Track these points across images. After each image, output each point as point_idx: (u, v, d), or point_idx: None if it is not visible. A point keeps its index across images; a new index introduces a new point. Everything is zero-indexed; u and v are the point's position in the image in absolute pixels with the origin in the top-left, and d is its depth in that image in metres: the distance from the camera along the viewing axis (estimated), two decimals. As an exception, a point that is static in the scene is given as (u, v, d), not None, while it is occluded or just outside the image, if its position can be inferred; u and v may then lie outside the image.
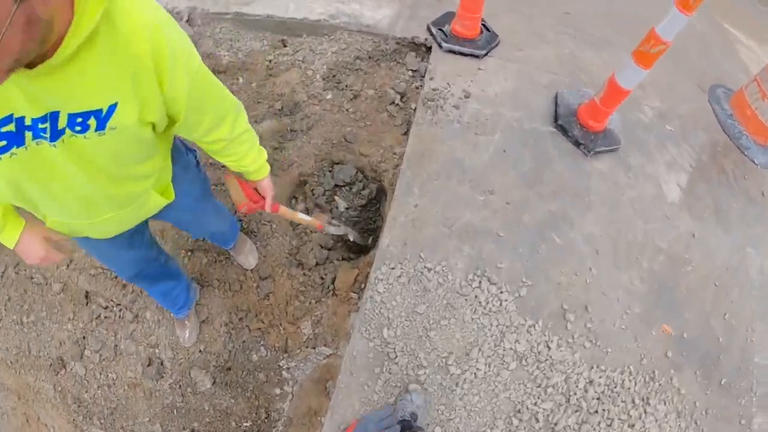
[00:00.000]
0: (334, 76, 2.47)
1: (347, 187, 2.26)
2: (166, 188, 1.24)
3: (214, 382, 1.98)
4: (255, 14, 2.62)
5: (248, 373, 1.98)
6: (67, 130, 0.83)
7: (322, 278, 2.06)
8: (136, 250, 1.41)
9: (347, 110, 2.37)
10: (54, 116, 0.81)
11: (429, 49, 2.51)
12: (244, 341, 1.99)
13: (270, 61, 2.55)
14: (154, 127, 0.95)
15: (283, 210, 1.58)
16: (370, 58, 2.54)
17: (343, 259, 2.16)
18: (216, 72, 2.54)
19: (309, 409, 1.87)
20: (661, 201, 2.15)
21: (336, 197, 2.25)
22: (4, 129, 0.79)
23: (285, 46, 2.61)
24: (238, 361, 2.00)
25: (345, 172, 2.24)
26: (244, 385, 1.98)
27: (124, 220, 1.16)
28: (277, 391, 1.98)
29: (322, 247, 2.13)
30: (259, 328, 2.00)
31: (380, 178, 2.23)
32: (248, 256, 2.04)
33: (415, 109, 2.30)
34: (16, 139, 0.82)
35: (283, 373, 1.97)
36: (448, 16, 2.57)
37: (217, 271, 2.09)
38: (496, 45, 2.50)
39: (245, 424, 1.97)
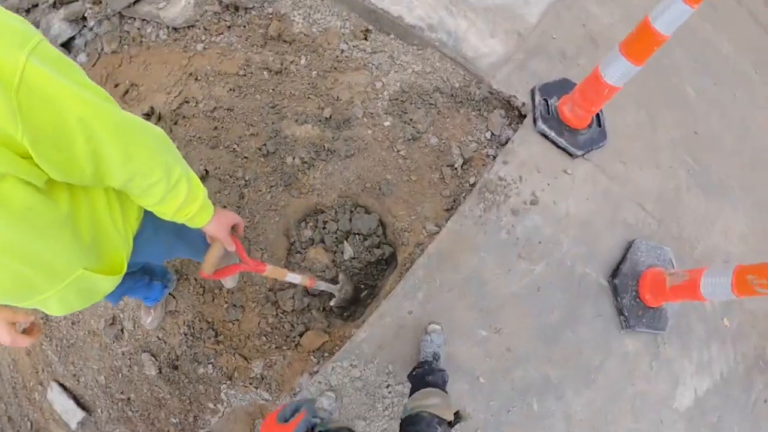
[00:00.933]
0: (403, 101, 2.10)
1: (361, 237, 2.04)
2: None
3: (159, 372, 1.98)
4: (348, -14, 2.17)
5: (191, 380, 1.96)
6: None
7: (291, 327, 1.94)
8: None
9: (398, 151, 2.05)
10: None
11: (522, 117, 2.10)
12: (196, 352, 1.95)
13: (342, 51, 2.16)
14: None
15: (270, 270, 1.38)
16: (452, 96, 2.13)
17: (323, 309, 2.02)
18: (282, 41, 2.18)
19: (232, 433, 1.89)
20: (666, 404, 1.92)
21: (345, 242, 2.04)
22: None
23: (366, 38, 2.19)
24: (186, 365, 1.97)
25: (365, 223, 2.00)
26: (183, 388, 1.97)
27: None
28: (211, 405, 1.98)
29: (305, 294, 1.97)
30: (214, 349, 1.93)
31: (397, 249, 2.00)
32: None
33: (472, 186, 1.98)
34: None
35: (221, 394, 1.95)
36: (563, 86, 2.10)
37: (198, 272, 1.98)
38: (600, 146, 2.07)
39: (173, 420, 2.00)
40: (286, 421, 0.84)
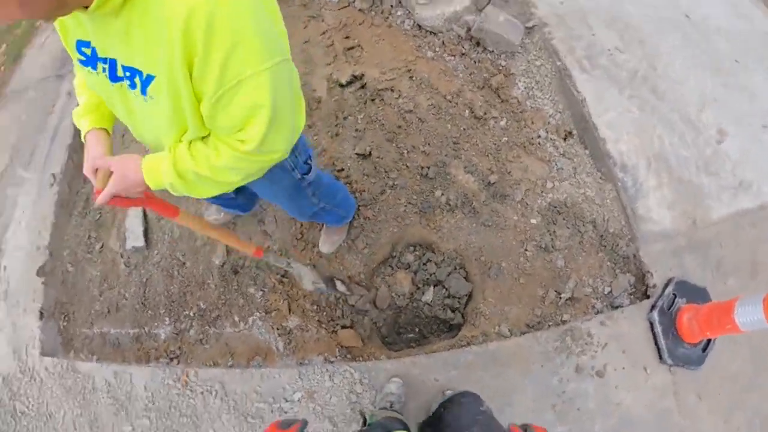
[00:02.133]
0: (558, 212, 2.16)
1: (446, 293, 2.13)
2: None
3: (222, 266, 2.18)
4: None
5: (238, 289, 2.14)
6: (125, 81, 0.83)
7: (341, 316, 2.07)
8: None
9: (526, 250, 2.12)
10: (113, 63, 0.82)
11: (645, 296, 2.10)
12: (259, 274, 2.13)
13: (539, 136, 2.25)
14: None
15: (184, 217, 1.20)
16: (601, 237, 2.17)
17: (375, 324, 2.14)
18: (497, 94, 2.29)
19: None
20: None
21: (432, 287, 2.13)
22: (84, 49, 0.85)
23: (564, 139, 2.27)
24: (244, 277, 2.15)
25: (458, 285, 2.09)
26: (228, 290, 2.14)
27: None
28: (236, 318, 2.11)
29: (373, 304, 2.10)
30: (274, 283, 2.11)
31: (465, 323, 2.08)
32: (327, 242, 2.06)
33: (562, 322, 2.02)
34: (91, 63, 0.86)
35: (249, 318, 2.11)
36: (698, 294, 2.06)
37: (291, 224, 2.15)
38: (691, 369, 2.03)
39: (200, 304, 2.17)
40: (288, 426, 0.94)
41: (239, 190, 1.69)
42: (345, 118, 2.25)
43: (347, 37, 2.49)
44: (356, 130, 2.22)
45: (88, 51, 0.85)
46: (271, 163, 0.96)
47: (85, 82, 1.04)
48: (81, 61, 0.89)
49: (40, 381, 2.39)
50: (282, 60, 0.81)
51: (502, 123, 2.27)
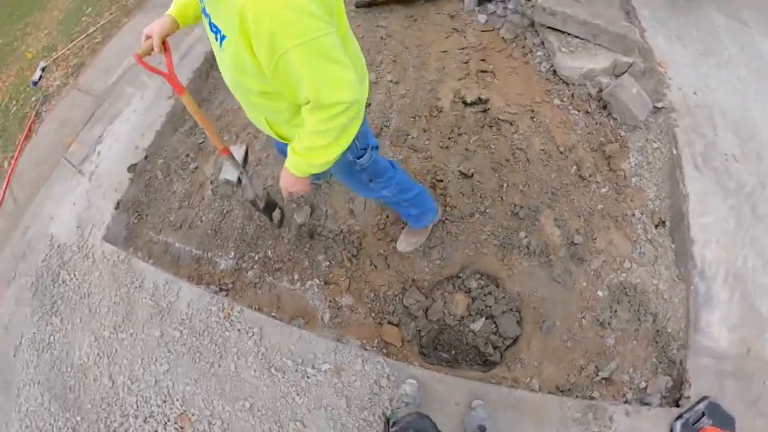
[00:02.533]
0: (626, 294, 2.19)
1: (494, 328, 2.19)
2: (278, 128, 1.37)
3: (300, 227, 2.30)
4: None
5: (306, 252, 2.28)
6: (218, 34, 1.09)
7: (392, 313, 2.15)
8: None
9: (583, 317, 2.16)
10: (208, 16, 1.10)
11: (675, 404, 2.11)
12: (331, 246, 2.25)
13: (633, 215, 2.28)
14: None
15: (187, 99, 1.47)
16: (656, 332, 2.19)
17: (418, 332, 2.21)
18: (606, 160, 2.33)
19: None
20: None
21: (484, 319, 2.19)
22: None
23: (656, 227, 2.28)
24: (317, 244, 2.28)
25: (509, 326, 2.15)
26: (297, 249, 2.28)
27: (256, 121, 1.41)
28: (295, 277, 2.24)
29: (427, 316, 2.18)
30: (342, 259, 2.21)
31: (499, 363, 2.13)
32: (404, 241, 2.15)
33: (590, 397, 2.06)
34: (204, 11, 1.13)
35: (307, 282, 2.23)
36: (724, 422, 2.08)
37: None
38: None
39: (267, 253, 2.30)
40: None
41: None
42: (459, 135, 2.33)
43: (483, 60, 2.55)
44: (466, 149, 2.29)
45: (201, 3, 1.16)
46: (344, 119, 1.10)
47: None
48: (203, 9, 1.15)
49: (92, 261, 2.56)
50: (315, 37, 0.99)
51: (603, 190, 2.30)
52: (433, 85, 2.47)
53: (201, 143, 2.72)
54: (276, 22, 0.94)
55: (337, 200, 2.31)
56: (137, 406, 2.06)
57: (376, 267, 2.16)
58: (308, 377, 2.05)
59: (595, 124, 2.43)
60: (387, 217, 2.23)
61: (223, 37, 1.07)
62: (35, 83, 5.19)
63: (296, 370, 2.06)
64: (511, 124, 2.37)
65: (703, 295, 2.22)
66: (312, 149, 1.19)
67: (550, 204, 2.25)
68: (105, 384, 2.20)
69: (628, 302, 2.19)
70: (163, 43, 1.33)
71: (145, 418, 2.03)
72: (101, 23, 5.31)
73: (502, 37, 2.64)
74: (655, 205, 2.33)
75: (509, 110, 2.39)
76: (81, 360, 2.34)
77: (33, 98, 4.96)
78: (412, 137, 2.40)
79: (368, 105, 2.51)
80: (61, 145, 3.73)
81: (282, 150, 2.18)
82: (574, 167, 2.33)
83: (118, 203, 2.68)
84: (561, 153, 2.34)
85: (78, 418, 2.18)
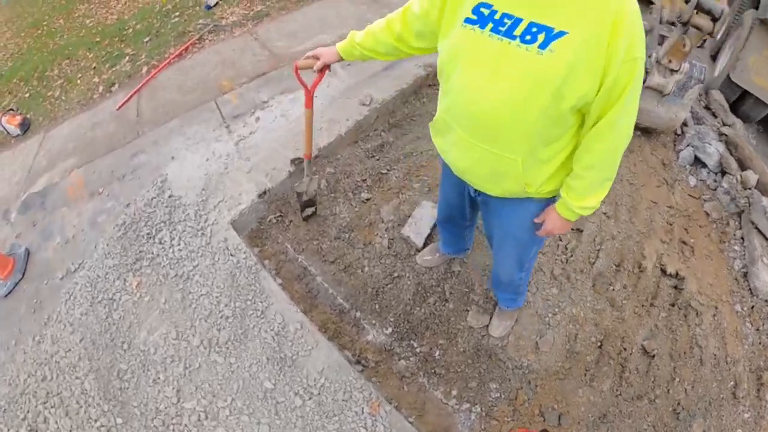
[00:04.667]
0: None
1: None
2: (504, 181, 1.24)
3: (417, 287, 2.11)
4: None
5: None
6: (518, 39, 0.98)
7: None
8: (461, 201, 1.61)
9: None
10: (516, 21, 0.98)
11: None
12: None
13: None
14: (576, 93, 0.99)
15: (307, 114, 1.79)
16: None
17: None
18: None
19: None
20: None
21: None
22: (482, 10, 1.02)
23: None
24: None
25: None
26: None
27: (473, 158, 1.23)
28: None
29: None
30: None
31: None
32: (499, 326, 2.05)
33: None
34: (482, 21, 1.02)
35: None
36: None
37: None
38: None
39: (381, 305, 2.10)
40: None
41: (469, 225, 1.90)
42: (652, 305, 2.23)
43: (686, 230, 2.46)
44: (655, 325, 2.19)
45: (485, 11, 1.02)
46: (622, 152, 1.12)
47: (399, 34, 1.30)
48: (469, 20, 1.04)
49: (206, 242, 2.28)
50: (644, 56, 1.00)
51: (746, 415, 2.30)
52: (641, 238, 2.35)
53: (384, 174, 2.44)
54: (637, 28, 0.94)
55: (524, 326, 2.13)
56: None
57: (544, 419, 2.03)
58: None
59: (761, 346, 2.42)
60: (569, 368, 2.09)
61: (556, 35, 0.95)
62: (209, 7, 4.61)
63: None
64: (697, 314, 2.29)
65: None
66: (591, 187, 1.17)
67: (704, 414, 2.21)
68: (167, 396, 1.87)
69: None
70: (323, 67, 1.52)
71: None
72: None
73: (705, 212, 2.56)
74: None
75: (699, 299, 2.32)
76: (146, 347, 2.02)
77: (200, 20, 4.44)
78: (613, 289, 2.27)
79: (580, 230, 2.35)
80: (215, 85, 3.35)
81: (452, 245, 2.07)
82: (732, 383, 2.30)
83: (264, 192, 2.35)
84: (727, 363, 2.30)
85: (118, 420, 1.84)
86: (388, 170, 2.49)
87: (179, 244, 2.23)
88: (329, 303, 2.13)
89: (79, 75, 4.31)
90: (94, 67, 4.31)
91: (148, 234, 2.36)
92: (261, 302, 2.03)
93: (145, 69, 3.84)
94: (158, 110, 3.20)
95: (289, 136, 2.58)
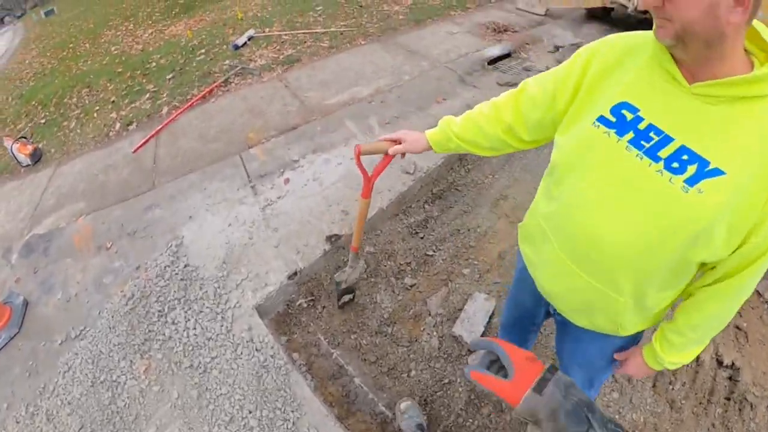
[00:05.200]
0: None
1: None
2: (622, 315, 0.96)
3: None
4: None
5: None
6: (662, 162, 0.76)
7: None
8: (534, 310, 1.34)
9: None
10: (664, 139, 0.76)
11: None
12: None
13: None
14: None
15: (365, 206, 1.44)
16: None
17: None
18: None
19: None
20: None
21: None
22: (624, 112, 0.80)
23: None
24: None
25: None
26: None
27: (568, 286, 0.99)
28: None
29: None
30: None
31: None
32: None
33: None
34: (620, 127, 0.80)
35: None
36: None
37: None
38: None
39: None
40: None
41: (535, 330, 1.62)
42: (709, 402, 1.94)
43: (740, 314, 2.20)
44: (712, 424, 1.90)
45: (629, 116, 0.80)
46: (732, 314, 0.90)
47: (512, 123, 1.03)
48: (604, 121, 0.82)
49: (227, 329, 1.96)
50: None
51: None
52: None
53: (429, 256, 2.16)
54: None
55: None
56: None
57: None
58: None
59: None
60: None
61: (710, 173, 0.73)
62: (237, 47, 4.50)
63: None
64: (752, 407, 2.00)
65: None
66: (690, 345, 0.96)
67: None
68: None
69: None
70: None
71: None
72: (332, 29, 4.69)
73: (758, 291, 2.31)
74: None
75: (754, 390, 2.03)
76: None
77: (227, 61, 4.30)
78: (673, 388, 1.98)
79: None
80: (240, 136, 3.14)
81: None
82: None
83: (295, 273, 2.06)
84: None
85: None
86: (433, 252, 2.21)
87: (195, 328, 1.93)
88: (369, 410, 1.81)
89: (97, 107, 4.13)
90: (113, 101, 4.13)
91: (159, 312, 2.06)
92: (292, 412, 1.72)
93: (165, 109, 3.65)
94: (177, 159, 2.97)
95: (323, 206, 2.31)
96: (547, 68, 4.41)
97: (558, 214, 0.93)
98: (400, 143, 1.18)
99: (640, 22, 4.27)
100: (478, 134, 1.07)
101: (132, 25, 7.12)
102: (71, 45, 7.10)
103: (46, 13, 10.96)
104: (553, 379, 0.61)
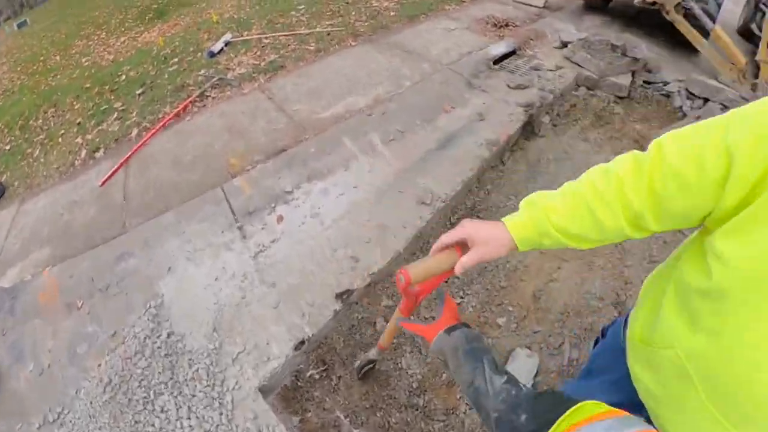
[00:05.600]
0: None
1: None
2: None
3: None
4: None
5: None
6: None
7: None
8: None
9: None
10: None
11: None
12: None
13: None
14: None
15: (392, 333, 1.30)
16: None
17: None
18: None
19: None
20: None
21: None
22: None
23: None
24: None
25: None
26: None
27: None
28: None
29: None
30: None
31: None
32: None
33: None
34: None
35: None
36: None
37: None
38: None
39: None
40: None
41: None
42: None
43: None
44: None
45: None
46: None
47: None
48: None
49: (228, 418, 1.60)
50: None
51: None
52: None
53: (458, 304, 1.85)
54: None
55: None
56: None
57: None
58: None
59: None
60: None
61: None
62: (212, 54, 4.03)
63: None
64: None
65: None
66: None
67: None
68: None
69: None
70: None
71: None
72: (317, 30, 4.24)
73: None
74: None
75: None
76: None
77: (203, 71, 3.85)
78: None
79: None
80: (221, 162, 2.74)
81: None
82: None
83: (302, 342, 1.73)
84: None
85: None
86: (461, 298, 1.89)
87: (189, 418, 1.59)
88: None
89: (62, 131, 3.69)
90: (79, 123, 3.70)
91: (144, 398, 1.71)
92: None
93: (135, 131, 3.24)
94: (149, 193, 2.59)
95: (327, 251, 1.97)
96: (557, 66, 3.97)
97: (713, 358, 0.61)
98: (465, 245, 0.79)
99: (639, 12, 4.01)
100: (593, 228, 0.71)
101: (104, 33, 6.59)
102: (42, 58, 6.55)
103: (19, 25, 10.26)
104: (462, 328, 0.79)
